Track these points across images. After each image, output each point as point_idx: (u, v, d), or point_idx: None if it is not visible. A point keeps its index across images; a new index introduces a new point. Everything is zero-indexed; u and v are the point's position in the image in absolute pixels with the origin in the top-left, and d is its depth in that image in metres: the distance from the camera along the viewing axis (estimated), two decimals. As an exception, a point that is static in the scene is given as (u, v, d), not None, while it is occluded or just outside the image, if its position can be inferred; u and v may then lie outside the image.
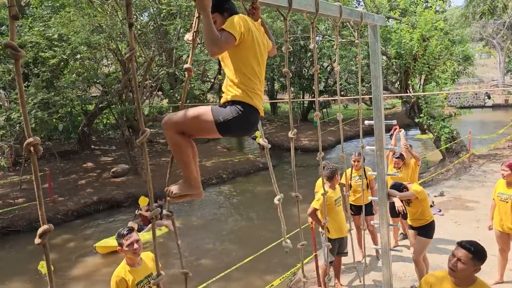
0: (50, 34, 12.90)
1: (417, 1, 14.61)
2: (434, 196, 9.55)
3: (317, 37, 17.90)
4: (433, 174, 12.70)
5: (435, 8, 14.12)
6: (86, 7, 13.37)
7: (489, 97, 33.42)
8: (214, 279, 6.43)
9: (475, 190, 10.13)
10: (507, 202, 5.26)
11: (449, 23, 14.68)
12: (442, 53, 13.85)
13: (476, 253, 2.86)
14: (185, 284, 2.19)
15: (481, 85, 39.06)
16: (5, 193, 12.78)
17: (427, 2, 14.61)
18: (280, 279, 6.44)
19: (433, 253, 6.41)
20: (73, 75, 14.70)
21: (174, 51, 15.74)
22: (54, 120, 12.84)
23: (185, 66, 2.31)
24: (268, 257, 7.21)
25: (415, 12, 14.12)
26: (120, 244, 3.71)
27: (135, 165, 14.69)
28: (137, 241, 3.71)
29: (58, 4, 14.07)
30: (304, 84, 25.28)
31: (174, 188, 2.23)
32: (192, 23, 2.23)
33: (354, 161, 6.37)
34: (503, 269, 5.58)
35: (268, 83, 27.96)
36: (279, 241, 7.26)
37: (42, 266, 8.17)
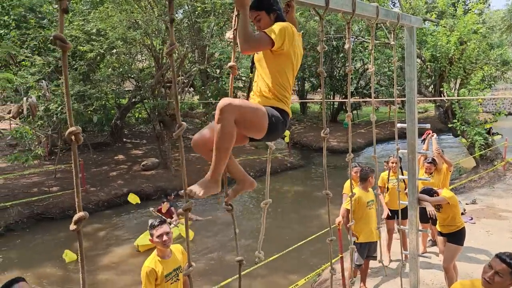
0: (89, 29, 13.25)
1: (456, 3, 14.21)
2: (466, 204, 9.28)
3: (351, 38, 17.64)
4: (465, 181, 12.34)
5: (474, 11, 13.69)
6: (124, 3, 13.65)
7: None
8: (234, 277, 6.47)
9: (510, 199, 9.77)
10: None
11: (488, 26, 14.20)
12: (479, 57, 13.42)
13: None
14: (239, 271, 2.35)
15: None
16: (41, 181, 13.19)
17: (466, 4, 14.17)
18: (305, 279, 6.42)
19: (463, 262, 6.24)
20: (109, 69, 15.03)
21: (207, 49, 15.87)
22: (89, 112, 13.16)
23: (229, 64, 2.30)
24: (293, 257, 7.19)
25: (453, 15, 13.74)
26: (151, 235, 3.79)
27: (164, 159, 14.90)
28: (167, 233, 3.76)
29: (97, 0, 14.41)
30: (335, 85, 25.01)
31: (197, 189, 2.08)
32: (232, 21, 2.24)
33: (393, 163, 6.25)
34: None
35: (299, 82, 27.82)
36: (304, 241, 7.30)
37: (66, 255, 8.44)
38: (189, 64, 17.00)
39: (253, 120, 2.15)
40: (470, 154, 14.10)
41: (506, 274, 2.73)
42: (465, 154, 15.54)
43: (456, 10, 13.88)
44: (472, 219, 8.33)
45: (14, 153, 13.67)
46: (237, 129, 2.14)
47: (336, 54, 23.24)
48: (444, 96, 14.32)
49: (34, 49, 13.42)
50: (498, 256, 2.83)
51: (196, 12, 14.76)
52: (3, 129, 11.77)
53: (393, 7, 18.30)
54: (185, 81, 16.50)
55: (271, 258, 6.73)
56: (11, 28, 13.74)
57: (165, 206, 9.62)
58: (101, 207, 11.96)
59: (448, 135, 17.33)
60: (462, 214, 7.68)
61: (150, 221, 3.96)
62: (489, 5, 21.02)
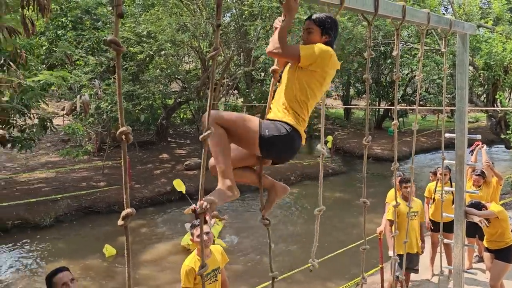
0: (140, 31, 13.68)
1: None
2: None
3: (400, 44, 17.27)
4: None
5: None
6: (174, 6, 13.98)
7: None
8: (276, 280, 6.45)
9: None
10: None
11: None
12: (538, 66, 12.73)
13: None
14: (272, 286, 2.26)
15: None
16: (89, 176, 13.68)
17: (524, 10, 13.48)
18: (343, 287, 6.33)
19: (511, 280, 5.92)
20: (157, 70, 15.41)
21: (253, 52, 15.97)
22: (136, 111, 13.53)
23: (272, 68, 2.29)
24: (331, 264, 7.07)
25: (510, 22, 13.11)
26: (192, 234, 3.86)
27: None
28: (207, 233, 3.80)
29: (148, 3, 14.85)
30: (381, 92, 24.48)
31: (214, 198, 1.99)
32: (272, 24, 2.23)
33: (441, 174, 6.02)
34: None
35: (344, 88, 27.46)
36: (343, 249, 7.18)
37: (106, 249, 8.69)
38: (234, 67, 17.16)
39: (241, 131, 2.08)
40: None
41: None
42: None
43: (513, 16, 13.24)
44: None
45: (66, 148, 14.28)
46: (234, 143, 2.14)
47: (383, 60, 22.76)
48: (498, 106, 13.69)
49: (88, 49, 13.98)
50: None
51: (243, 16, 14.91)
52: (57, 125, 12.28)
53: (445, 12, 17.69)
54: (230, 83, 16.67)
55: (309, 264, 6.66)
56: (68, 29, 14.41)
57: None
58: (144, 203, 12.23)
59: (500, 146, 16.57)
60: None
61: (190, 223, 4.02)
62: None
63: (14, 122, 9.89)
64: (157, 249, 9.18)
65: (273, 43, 2.05)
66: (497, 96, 13.71)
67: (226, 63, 14.51)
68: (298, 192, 14.46)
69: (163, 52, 14.66)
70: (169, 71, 15.64)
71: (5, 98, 8.74)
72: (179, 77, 16.48)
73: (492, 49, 12.56)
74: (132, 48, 13.31)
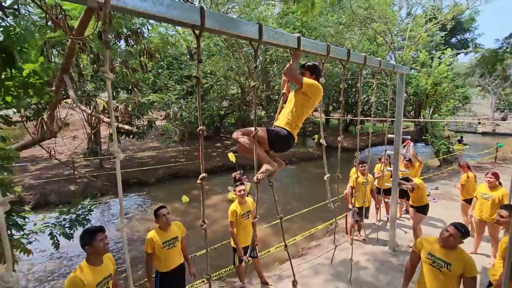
0: (206, 70, 13.76)
1: (433, 57, 12.95)
2: (431, 189, 8.50)
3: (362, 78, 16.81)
4: (431, 174, 11.29)
5: (447, 63, 12.37)
6: (226, 55, 14.01)
7: (479, 123, 28.77)
8: (283, 219, 6.47)
9: (462, 188, 8.82)
10: (487, 200, 4.53)
11: (455, 72, 12.80)
12: (448, 93, 12.17)
13: (464, 233, 2.55)
14: (280, 223, 2.24)
15: (475, 117, 33.61)
16: (175, 155, 14.01)
17: (440, 58, 12.86)
18: (322, 225, 6.29)
19: (426, 226, 5.77)
20: (215, 94, 15.53)
21: (271, 83, 15.84)
22: (203, 117, 13.71)
23: (282, 92, 2.32)
24: (316, 212, 7.05)
25: (430, 66, 12.55)
26: (234, 191, 3.91)
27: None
28: (244, 189, 3.84)
29: (211, 53, 14.92)
30: (348, 108, 23.96)
31: (263, 170, 2.01)
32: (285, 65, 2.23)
33: (384, 159, 5.86)
34: (477, 245, 4.84)
35: (324, 105, 26.90)
36: (322, 203, 7.12)
37: (183, 198, 8.86)
38: (260, 92, 17.10)
39: (258, 139, 2.04)
40: (436, 157, 12.93)
41: (457, 236, 2.50)
42: (432, 157, 14.23)
43: (433, 61, 12.65)
44: (434, 199, 7.63)
45: (162, 138, 14.60)
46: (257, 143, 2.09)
47: (350, 89, 22.21)
48: (421, 119, 13.19)
49: (176, 80, 14.21)
50: (453, 224, 2.59)
51: (266, 61, 14.79)
52: (158, 125, 12.57)
53: (390, 59, 17.05)
54: (257, 102, 16.60)
55: (304, 210, 6.66)
56: (164, 68, 14.65)
57: (237, 175, 9.42)
58: (206, 172, 12.36)
59: (422, 144, 15.97)
60: (428, 195, 7.08)
61: (232, 186, 4.07)
62: (457, 59, 19.07)
63: (134, 123, 10.19)
64: (213, 199, 9.35)
65: (288, 70, 2.07)
66: (421, 113, 13.25)
67: (256, 89, 14.48)
68: (296, 167, 14.38)
69: (218, 83, 14.73)
70: (222, 94, 15.72)
71: (130, 109, 9.00)
72: (227, 98, 16.54)
73: (419, 83, 12.09)
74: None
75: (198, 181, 1.57)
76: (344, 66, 2.76)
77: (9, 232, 2.77)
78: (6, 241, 0.98)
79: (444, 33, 15.80)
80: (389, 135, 4.66)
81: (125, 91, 10.10)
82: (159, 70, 14.45)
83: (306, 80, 2.09)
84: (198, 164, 12.04)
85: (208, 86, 14.37)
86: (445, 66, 12.07)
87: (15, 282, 0.94)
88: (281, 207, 9.24)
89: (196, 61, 1.71)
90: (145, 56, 7.66)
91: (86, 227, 2.97)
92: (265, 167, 2.05)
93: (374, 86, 3.64)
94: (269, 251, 5.27)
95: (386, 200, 6.01)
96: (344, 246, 5.18)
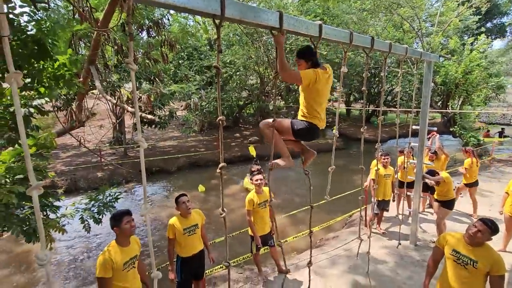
0: (226, 60, 13.76)
1: (465, 43, 12.10)
2: (457, 183, 8.10)
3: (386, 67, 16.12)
4: (459, 168, 10.75)
5: (480, 50, 11.54)
6: (245, 45, 13.91)
7: None
8: (299, 210, 6.48)
9: (492, 183, 8.35)
10: None
11: (489, 60, 11.91)
12: (480, 83, 11.39)
13: (494, 229, 2.41)
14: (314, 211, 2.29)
15: (509, 108, 31.26)
16: (195, 145, 14.26)
17: (472, 45, 12.00)
18: (341, 217, 6.23)
19: (451, 221, 5.55)
20: (234, 84, 15.53)
21: (291, 73, 15.55)
22: (222, 108, 13.76)
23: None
24: (335, 203, 6.98)
25: (461, 53, 11.76)
26: (251, 179, 3.95)
27: (262, 137, 15.14)
28: (261, 179, 3.87)
29: (230, 43, 14.87)
30: (370, 98, 23.17)
31: (278, 161, 2.19)
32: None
33: (408, 152, 5.69)
34: (507, 242, 4.60)
35: (345, 95, 26.17)
36: (342, 194, 7.03)
37: (201, 187, 8.97)
38: (279, 81, 16.89)
39: (280, 129, 2.15)
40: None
41: (486, 233, 2.38)
42: (460, 149, 13.54)
43: (464, 48, 11.84)
44: (461, 194, 7.28)
45: (183, 128, 14.90)
46: (280, 134, 2.17)
47: (373, 78, 21.40)
48: (449, 109, 12.50)
49: (196, 71, 14.34)
50: (482, 219, 2.47)
51: (286, 50, 14.51)
52: (179, 115, 12.83)
53: (416, 47, 16.15)
54: (277, 92, 16.43)
55: (321, 202, 6.60)
56: (185, 59, 14.80)
57: (255, 167, 9.43)
58: (224, 161, 12.52)
59: (449, 136, 15.20)
60: (454, 190, 6.79)
61: (248, 176, 4.08)
62: (492, 45, 17.60)
63: (156, 113, 10.47)
64: (232, 188, 9.47)
65: (280, 69, 1.89)
66: (449, 103, 12.55)
67: (274, 79, 14.31)
68: (314, 159, 14.21)
69: (238, 73, 14.69)
70: (241, 85, 15.70)
71: (152, 99, 9.23)
72: (246, 88, 16.49)
73: (447, 71, 11.41)
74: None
75: (218, 171, 1.60)
76: (367, 55, 2.66)
77: (45, 213, 2.99)
78: (40, 223, 1.06)
79: (478, 17, 14.66)
80: (414, 127, 4.47)
81: (147, 82, 10.36)
82: (180, 61, 14.61)
83: (304, 75, 1.99)
84: (217, 153, 12.22)
85: (228, 76, 14.39)
86: (478, 53, 11.27)
87: (48, 261, 1.01)
88: (299, 197, 9.19)
89: (216, 51, 1.71)
90: (166, 47, 7.80)
91: (114, 211, 3.13)
92: (280, 160, 2.16)
93: (399, 75, 3.48)
94: (287, 241, 5.31)
95: (408, 193, 5.84)
96: (362, 238, 5.11)
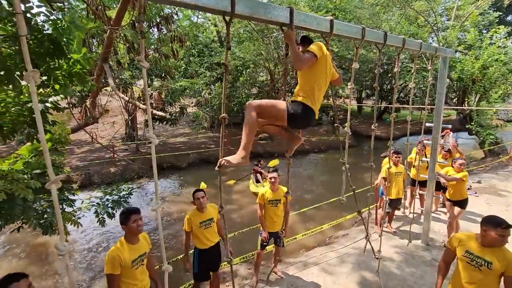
0: (235, 56, 13.76)
1: (483, 38, 11.67)
2: (473, 182, 7.90)
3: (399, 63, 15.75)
4: (475, 167, 10.46)
5: (498, 44, 11.10)
6: (255, 41, 13.84)
7: None
8: (309, 208, 6.46)
9: (509, 182, 8.07)
10: None
11: (509, 56, 11.45)
12: (498, 78, 10.97)
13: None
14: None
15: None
16: (205, 141, 14.36)
17: (491, 38, 11.56)
18: (351, 215, 6.19)
19: (465, 221, 5.41)
20: (244, 80, 15.51)
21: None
22: (232, 104, 13.81)
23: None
24: (345, 202, 6.92)
25: (479, 47, 11.34)
26: (265, 177, 3.93)
27: (271, 135, 15.10)
28: (275, 177, 3.84)
29: (240, 40, 14.84)
30: (383, 95, 22.73)
31: (230, 159, 1.88)
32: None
33: (419, 150, 5.57)
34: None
35: (357, 92, 25.73)
36: (352, 192, 6.94)
37: (202, 185, 8.81)
38: (289, 78, 16.78)
39: (274, 112, 1.98)
40: (480, 148, 11.91)
41: (507, 236, 2.28)
42: (476, 148, 13.14)
43: (482, 42, 11.41)
44: (476, 193, 7.09)
45: (193, 124, 15.04)
46: (264, 119, 2.01)
47: (385, 75, 20.97)
48: (465, 106, 12.14)
49: (206, 67, 14.39)
50: (501, 223, 2.29)
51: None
52: (189, 112, 12.94)
53: (431, 41, 15.67)
54: (287, 88, 16.31)
55: (331, 200, 6.57)
56: (195, 56, 14.88)
57: (256, 168, 9.02)
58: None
59: (465, 133, 14.77)
60: (468, 189, 6.61)
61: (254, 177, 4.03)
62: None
63: (167, 109, 10.58)
64: (241, 185, 9.45)
65: (297, 61, 1.88)
66: (466, 100, 12.18)
67: (284, 75, 14.21)
68: (324, 156, 14.11)
69: (248, 69, 14.66)
70: (251, 81, 15.66)
71: (163, 96, 9.34)
72: (256, 84, 16.44)
73: (464, 67, 11.05)
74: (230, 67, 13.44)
75: (216, 168, 1.62)
76: (380, 50, 2.61)
77: (61, 207, 3.09)
78: (59, 216, 1.11)
79: (498, 13, 14.08)
80: (427, 124, 4.37)
81: (158, 78, 10.49)
82: (190, 58, 14.69)
83: (314, 47, 1.96)
84: (227, 150, 12.29)
85: (237, 73, 14.37)
86: (497, 47, 10.85)
87: (66, 251, 1.06)
88: (308, 194, 9.13)
89: (225, 48, 1.70)
90: (176, 42, 7.86)
91: (125, 208, 3.21)
92: (234, 158, 1.88)
93: (413, 71, 3.40)
94: (296, 238, 5.31)
95: (421, 192, 5.73)
96: (373, 237, 5.05)
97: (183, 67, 13.59)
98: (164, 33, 8.03)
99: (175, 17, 8.15)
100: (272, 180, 3.82)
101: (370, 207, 5.89)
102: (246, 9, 1.61)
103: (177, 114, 10.54)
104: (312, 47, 1.97)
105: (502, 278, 2.29)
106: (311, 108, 2.01)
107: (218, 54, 14.88)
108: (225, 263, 4.41)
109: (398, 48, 2.78)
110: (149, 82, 10.60)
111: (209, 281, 3.53)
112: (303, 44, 2.12)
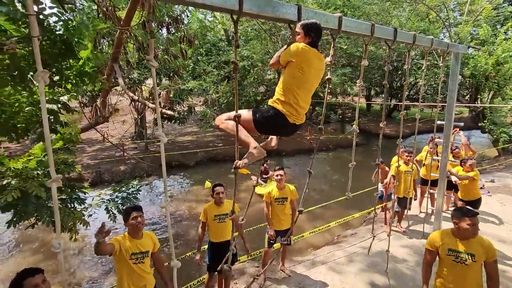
0: (243, 54, 13.75)
1: (497, 33, 11.33)
2: (485, 181, 7.70)
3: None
4: (488, 166, 10.19)
5: (514, 39, 10.77)
6: (263, 40, 13.79)
7: None
8: (317, 206, 6.42)
9: (526, 182, 7.84)
10: None
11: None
12: (513, 75, 10.65)
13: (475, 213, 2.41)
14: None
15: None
16: (213, 140, 14.44)
17: (506, 33, 11.21)
18: (359, 214, 6.12)
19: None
20: (251, 79, 15.49)
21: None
22: (239, 103, 13.77)
23: (327, 77, 2.14)
24: (353, 200, 6.84)
25: (493, 43, 11.01)
26: (271, 177, 3.93)
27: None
28: (282, 174, 3.85)
29: (248, 38, 14.79)
30: (392, 92, 22.36)
31: (244, 160, 1.77)
32: (331, 50, 2.08)
33: (431, 148, 5.46)
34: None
35: (366, 89, 25.38)
36: (361, 191, 6.88)
37: (207, 184, 8.66)
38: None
39: (243, 121, 1.75)
40: (494, 146, 11.59)
41: (477, 223, 2.37)
42: (489, 146, 12.80)
43: (496, 38, 11.07)
44: (489, 192, 6.92)
45: (201, 123, 15.14)
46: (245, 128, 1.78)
47: (395, 72, 20.60)
48: (478, 103, 11.83)
49: (214, 66, 14.43)
50: (466, 212, 2.41)
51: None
52: (197, 110, 13.03)
53: (443, 37, 15.28)
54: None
55: (339, 199, 6.52)
56: (203, 55, 14.94)
57: (263, 168, 8.78)
58: (241, 156, 12.55)
59: (478, 131, 14.40)
60: (481, 188, 6.44)
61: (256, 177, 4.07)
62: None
63: (175, 108, 10.67)
64: (249, 182, 9.48)
65: (274, 59, 1.74)
66: (478, 96, 11.86)
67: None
68: (333, 154, 13.99)
69: (255, 68, 14.63)
70: (258, 80, 15.64)
71: (171, 95, 9.41)
72: (264, 83, 16.41)
73: (476, 63, 10.76)
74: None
75: (232, 170, 1.62)
76: (389, 47, 2.56)
77: (72, 205, 3.16)
78: (57, 213, 1.13)
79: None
80: (439, 122, 4.27)
81: (166, 78, 10.57)
82: (198, 57, 14.74)
83: (287, 50, 1.79)
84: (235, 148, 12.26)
85: (245, 72, 14.35)
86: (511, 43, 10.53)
87: (61, 249, 1.10)
88: (316, 193, 9.08)
89: (233, 47, 1.69)
90: (185, 43, 7.91)
91: (127, 206, 3.25)
92: (248, 156, 1.77)
93: (423, 68, 3.32)
94: (303, 236, 5.29)
95: (432, 191, 5.62)
96: (381, 236, 4.99)
97: (191, 66, 13.64)
98: (173, 32, 8.09)
99: (184, 17, 8.19)
100: (278, 178, 3.82)
101: (377, 206, 5.84)
102: (253, 7, 1.60)
103: (185, 113, 10.60)
104: (286, 51, 1.77)
105: (483, 265, 2.33)
106: (280, 113, 1.74)
107: (226, 53, 14.89)
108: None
109: (408, 44, 2.72)
110: (157, 81, 10.70)
111: (218, 277, 3.59)
112: (307, 32, 1.80)
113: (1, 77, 2.01)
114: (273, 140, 2.12)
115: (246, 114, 1.79)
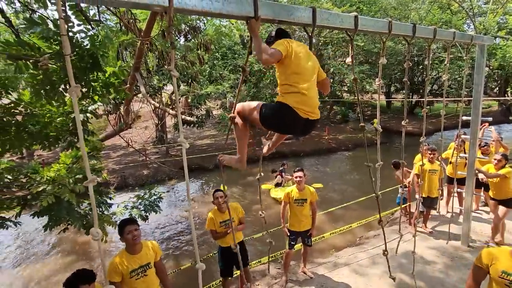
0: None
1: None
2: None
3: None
4: None
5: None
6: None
7: None
8: (338, 207, 6.31)
9: None
10: None
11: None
12: (547, 64, 9.95)
13: None
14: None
15: None
16: (230, 142, 14.43)
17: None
18: (383, 214, 5.95)
19: (511, 221, 4.97)
20: (267, 81, 15.50)
21: (325, 66, 15.13)
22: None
23: (353, 78, 2.13)
24: (375, 200, 6.66)
25: (524, 32, 10.37)
26: (295, 176, 3.90)
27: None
28: (301, 176, 3.83)
29: (263, 41, 14.84)
30: (414, 88, 21.56)
31: (226, 158, 1.90)
32: (349, 49, 2.07)
33: (457, 145, 5.21)
34: None
35: (385, 86, 24.64)
36: (383, 191, 6.66)
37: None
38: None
39: (248, 115, 1.79)
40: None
41: None
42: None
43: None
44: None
45: (219, 126, 15.32)
46: (248, 120, 1.80)
47: (416, 66, 19.85)
48: (508, 96, 11.14)
49: (230, 70, 14.59)
50: None
51: (320, 43, 14.11)
52: (215, 114, 13.21)
53: (467, 28, 14.54)
54: (311, 87, 16.03)
55: (362, 198, 6.37)
56: (219, 59, 15.16)
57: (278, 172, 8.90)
58: (258, 158, 12.58)
59: (508, 126, 13.56)
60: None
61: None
62: None
63: (194, 113, 10.89)
64: (266, 184, 9.50)
65: (260, 54, 1.60)
66: (508, 88, 11.17)
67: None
68: (353, 153, 13.68)
69: (272, 70, 14.62)
70: (275, 81, 15.61)
71: (190, 100, 9.62)
72: (280, 84, 16.39)
73: (505, 53, 10.15)
74: (253, 69, 13.50)
75: (257, 177, 1.66)
76: (408, 43, 2.49)
77: (100, 210, 3.32)
78: (94, 208, 1.23)
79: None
80: (464, 117, 4.08)
81: (185, 84, 10.82)
82: (215, 62, 14.96)
83: (276, 44, 1.72)
84: (252, 151, 12.29)
85: (261, 74, 14.39)
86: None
87: (99, 237, 1.19)
88: (336, 194, 8.92)
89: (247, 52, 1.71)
90: (201, 49, 8.08)
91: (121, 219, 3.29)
92: (232, 158, 1.92)
93: (446, 62, 3.20)
94: (323, 237, 5.22)
95: (459, 190, 5.36)
96: (406, 237, 4.82)
97: (207, 71, 13.87)
98: (190, 39, 8.29)
99: (201, 25, 8.38)
100: (298, 179, 3.80)
101: (401, 206, 5.64)
102: (269, 12, 1.63)
103: (204, 117, 10.79)
104: (275, 45, 1.72)
105: None
106: (289, 107, 1.68)
107: (241, 56, 15.01)
108: (255, 262, 4.45)
109: (428, 39, 2.63)
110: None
111: (238, 278, 3.63)
112: (278, 38, 1.83)
113: (36, 91, 2.17)
114: (265, 147, 2.22)
115: (253, 105, 1.82)
